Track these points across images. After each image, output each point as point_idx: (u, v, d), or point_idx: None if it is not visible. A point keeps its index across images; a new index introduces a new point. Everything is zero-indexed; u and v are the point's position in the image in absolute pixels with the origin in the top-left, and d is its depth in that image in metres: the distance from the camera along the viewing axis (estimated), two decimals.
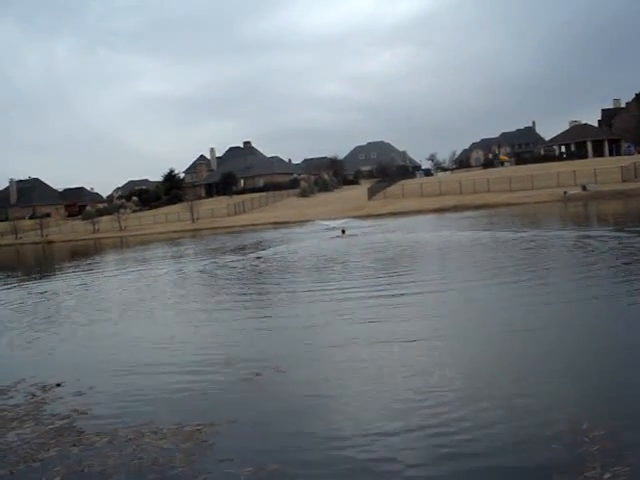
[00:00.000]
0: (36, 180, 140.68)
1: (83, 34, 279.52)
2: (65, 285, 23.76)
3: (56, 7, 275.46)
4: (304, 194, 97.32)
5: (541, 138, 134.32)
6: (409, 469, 5.31)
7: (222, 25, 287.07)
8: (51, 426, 7.06)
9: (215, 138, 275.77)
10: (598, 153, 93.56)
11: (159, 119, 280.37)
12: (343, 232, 36.87)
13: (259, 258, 26.76)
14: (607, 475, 4.76)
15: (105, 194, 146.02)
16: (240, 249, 33.72)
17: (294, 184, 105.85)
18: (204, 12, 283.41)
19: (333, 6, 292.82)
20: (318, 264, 22.74)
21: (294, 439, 6.20)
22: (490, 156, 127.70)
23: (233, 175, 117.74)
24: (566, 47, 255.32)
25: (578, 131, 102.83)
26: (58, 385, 8.81)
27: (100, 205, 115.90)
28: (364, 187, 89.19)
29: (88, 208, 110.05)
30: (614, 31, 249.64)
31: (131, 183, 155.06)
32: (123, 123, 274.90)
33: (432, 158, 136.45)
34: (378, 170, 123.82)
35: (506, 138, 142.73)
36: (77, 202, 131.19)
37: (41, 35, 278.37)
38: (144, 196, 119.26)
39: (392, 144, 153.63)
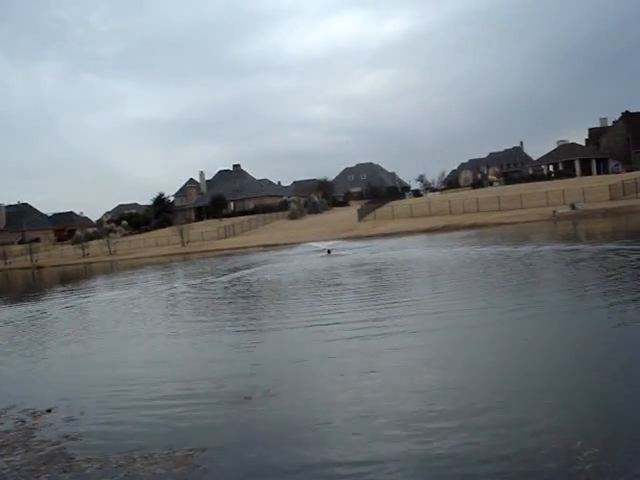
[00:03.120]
0: (25, 205, 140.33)
1: (67, 59, 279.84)
2: (51, 306, 23.68)
3: (39, 31, 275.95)
4: (294, 216, 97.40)
5: (529, 158, 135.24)
6: None
7: (206, 48, 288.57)
8: (41, 452, 7.01)
9: (204, 161, 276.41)
10: (586, 172, 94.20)
11: (146, 143, 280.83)
12: (329, 252, 39.24)
13: (238, 279, 27.07)
14: None
15: (95, 218, 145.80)
16: (223, 272, 33.68)
17: (284, 206, 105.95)
18: (188, 35, 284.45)
19: (317, 28, 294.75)
20: (300, 281, 22.82)
21: (285, 463, 6.18)
22: (479, 176, 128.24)
23: (223, 198, 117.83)
24: (551, 67, 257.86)
25: (566, 150, 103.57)
26: (48, 411, 8.74)
27: (90, 229, 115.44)
28: (354, 209, 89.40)
29: (78, 233, 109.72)
30: (600, 50, 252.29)
31: (120, 207, 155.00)
32: (110, 147, 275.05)
33: (421, 179, 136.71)
34: (367, 191, 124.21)
35: (494, 158, 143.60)
36: (67, 227, 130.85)
37: (24, 60, 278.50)
38: (134, 220, 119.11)
39: (381, 165, 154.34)
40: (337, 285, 21.67)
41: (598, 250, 23.32)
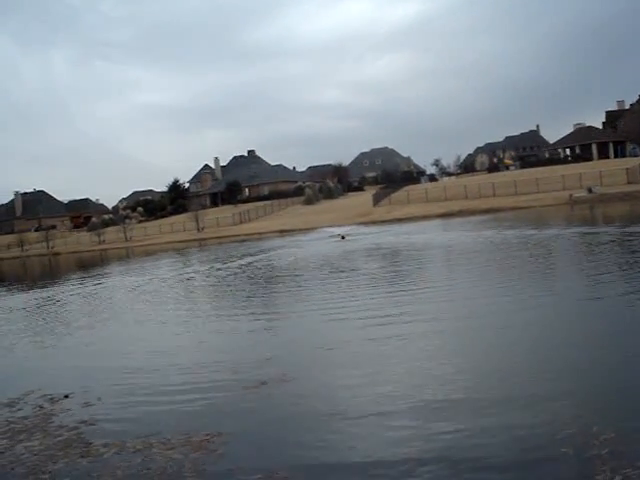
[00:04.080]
0: (41, 192, 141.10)
1: (79, 46, 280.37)
2: (72, 291, 23.82)
3: (50, 19, 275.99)
4: (309, 202, 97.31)
5: (545, 141, 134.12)
6: (423, 470, 5.29)
7: (220, 33, 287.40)
8: (59, 438, 7.06)
9: (218, 147, 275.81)
10: (603, 155, 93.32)
11: (160, 129, 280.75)
12: (343, 237, 39.83)
13: (251, 264, 27.07)
14: (618, 478, 4.73)
15: (110, 205, 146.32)
16: (238, 257, 33.75)
17: (299, 192, 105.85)
18: (201, 20, 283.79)
19: (330, 12, 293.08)
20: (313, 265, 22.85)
21: (302, 447, 6.19)
22: (495, 160, 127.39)
23: (238, 184, 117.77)
24: (567, 49, 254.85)
25: (582, 134, 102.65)
26: (66, 397, 8.81)
27: (105, 216, 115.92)
28: (369, 194, 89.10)
29: (93, 219, 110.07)
30: (615, 31, 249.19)
31: (136, 194, 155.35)
32: (124, 134, 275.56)
33: (437, 163, 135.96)
34: (383, 176, 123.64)
35: (510, 142, 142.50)
36: (82, 213, 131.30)
37: (36, 47, 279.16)
38: (149, 206, 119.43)
39: (396, 150, 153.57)
40: (351, 270, 21.65)
41: (624, 232, 23.35)
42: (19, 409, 8.48)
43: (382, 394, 7.44)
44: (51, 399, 8.78)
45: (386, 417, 6.71)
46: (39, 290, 28.34)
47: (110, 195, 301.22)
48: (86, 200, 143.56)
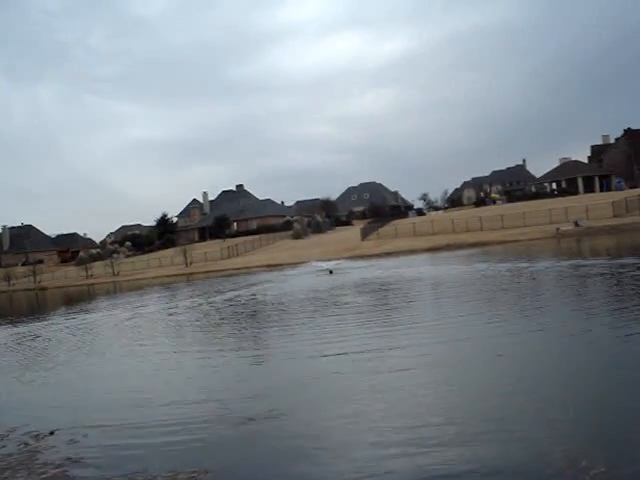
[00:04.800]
0: (29, 226, 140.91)
1: (67, 80, 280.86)
2: (56, 327, 23.64)
3: (39, 54, 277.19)
4: (297, 236, 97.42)
5: (532, 176, 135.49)
6: None
7: (208, 69, 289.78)
8: (44, 475, 6.98)
9: (207, 181, 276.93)
10: (589, 189, 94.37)
11: (149, 163, 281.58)
12: (330, 272, 40.10)
13: (238, 298, 27.00)
14: None
15: (98, 239, 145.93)
16: (223, 292, 33.70)
17: (287, 226, 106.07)
18: (189, 56, 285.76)
19: (316, 49, 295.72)
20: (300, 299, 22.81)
21: None
22: (482, 194, 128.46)
23: (226, 218, 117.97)
24: (553, 84, 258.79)
25: (568, 168, 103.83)
26: (51, 433, 8.71)
27: (93, 251, 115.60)
28: (357, 228, 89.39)
29: (81, 254, 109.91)
30: (600, 68, 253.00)
31: (124, 228, 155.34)
32: (112, 168, 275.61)
33: (424, 197, 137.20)
34: (371, 210, 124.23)
35: (497, 176, 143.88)
36: (70, 248, 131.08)
37: (25, 82, 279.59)
38: (137, 241, 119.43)
39: (384, 184, 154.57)
40: (337, 305, 21.62)
41: (616, 264, 23.63)
42: (3, 446, 8.38)
43: (371, 427, 7.41)
44: (36, 436, 8.68)
45: (377, 450, 6.68)
46: (23, 325, 28.10)
47: (98, 229, 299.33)
48: (74, 234, 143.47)
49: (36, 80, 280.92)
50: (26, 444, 8.36)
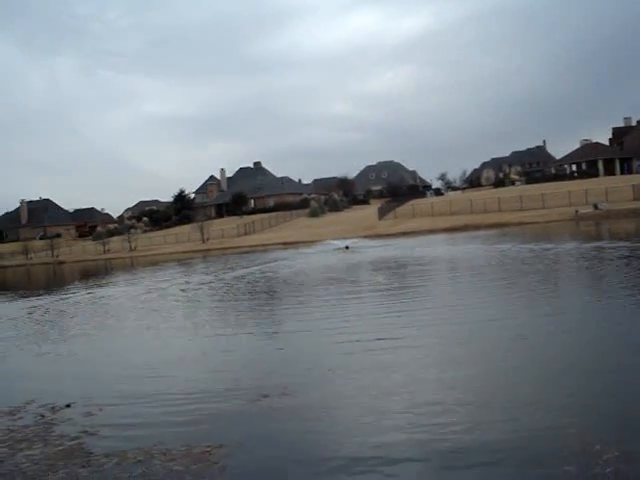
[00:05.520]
0: (47, 201, 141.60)
1: (84, 55, 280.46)
2: (75, 299, 23.80)
3: (56, 28, 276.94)
4: (314, 214, 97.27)
5: (552, 157, 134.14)
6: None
7: (226, 45, 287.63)
8: (60, 447, 7.02)
9: (224, 158, 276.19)
10: (609, 172, 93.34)
11: (166, 139, 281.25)
12: (347, 248, 41.37)
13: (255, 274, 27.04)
14: None
15: (116, 214, 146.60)
16: (241, 267, 33.82)
17: (304, 204, 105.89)
18: (207, 32, 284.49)
19: (336, 25, 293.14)
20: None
21: (302, 460, 6.15)
22: (501, 175, 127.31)
23: (243, 195, 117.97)
24: (574, 66, 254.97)
25: (589, 150, 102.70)
26: (67, 406, 8.77)
27: (111, 225, 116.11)
28: (374, 207, 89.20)
29: (99, 229, 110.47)
30: (623, 49, 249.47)
31: (141, 203, 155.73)
32: (130, 144, 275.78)
33: (442, 177, 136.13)
34: (388, 190, 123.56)
35: (517, 157, 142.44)
36: (88, 223, 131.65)
37: (43, 56, 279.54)
38: (154, 216, 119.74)
39: (402, 164, 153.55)
40: (354, 283, 21.61)
41: None
42: (20, 417, 8.45)
43: (381, 409, 7.40)
44: (52, 408, 8.75)
45: (385, 425, 6.67)
46: (41, 298, 28.29)
47: (116, 204, 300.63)
48: (91, 209, 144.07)
49: (53, 54, 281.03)
50: (42, 416, 8.42)
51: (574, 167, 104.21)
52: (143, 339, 14.56)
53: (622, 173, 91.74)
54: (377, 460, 5.93)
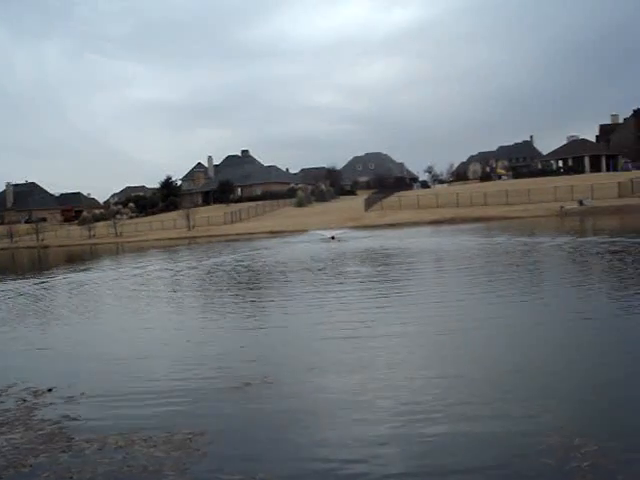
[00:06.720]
0: (33, 184, 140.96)
1: (72, 38, 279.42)
2: (60, 283, 23.75)
3: (45, 10, 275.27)
4: (301, 204, 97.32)
5: (539, 152, 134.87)
6: None
7: (214, 31, 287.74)
8: (41, 432, 7.02)
9: (212, 146, 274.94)
10: (595, 168, 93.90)
11: (154, 125, 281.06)
12: (332, 238, 41.37)
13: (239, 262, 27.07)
14: None
15: (102, 200, 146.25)
16: (225, 255, 33.83)
17: (291, 193, 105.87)
18: (196, 17, 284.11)
19: (326, 15, 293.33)
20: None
21: (283, 450, 6.19)
22: (488, 169, 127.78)
23: (230, 183, 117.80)
24: (564, 61, 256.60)
25: (576, 146, 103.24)
26: (49, 390, 8.77)
27: (97, 211, 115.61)
28: (361, 198, 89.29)
29: (84, 213, 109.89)
30: (612, 46, 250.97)
31: (128, 189, 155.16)
32: (117, 129, 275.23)
33: (430, 170, 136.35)
34: (375, 181, 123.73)
35: (504, 152, 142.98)
36: (73, 207, 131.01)
37: (30, 39, 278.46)
38: (141, 202, 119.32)
39: (390, 155, 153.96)
40: (337, 274, 21.64)
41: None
42: (1, 402, 8.43)
43: (361, 399, 7.45)
44: (34, 392, 8.74)
45: (372, 420, 6.72)
46: (27, 280, 28.18)
47: (102, 190, 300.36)
48: (77, 194, 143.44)
49: (41, 37, 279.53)
50: (24, 400, 8.41)
51: (560, 163, 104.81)
52: (127, 324, 14.54)
53: (608, 170, 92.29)
54: (360, 447, 5.99)
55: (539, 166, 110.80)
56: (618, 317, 11.11)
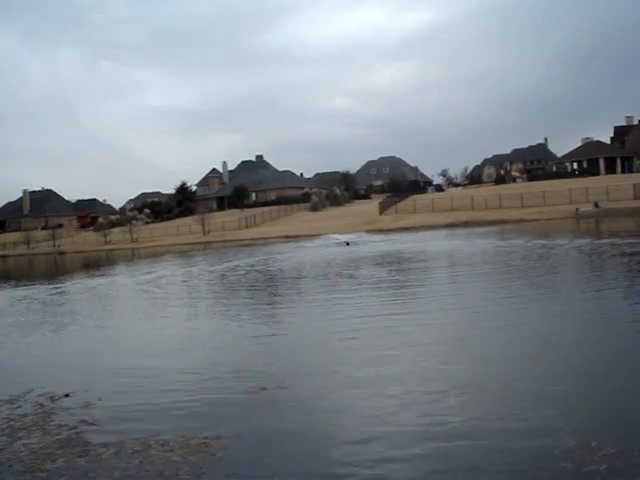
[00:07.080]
0: (49, 191, 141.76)
1: (86, 46, 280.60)
2: (77, 288, 23.87)
3: (58, 18, 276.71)
4: (315, 208, 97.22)
5: (553, 155, 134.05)
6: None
7: (228, 37, 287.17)
8: (58, 437, 7.06)
9: (226, 151, 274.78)
10: (610, 170, 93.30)
11: (169, 131, 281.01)
12: (347, 244, 41.16)
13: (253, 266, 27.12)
14: None
15: (117, 206, 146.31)
16: (240, 260, 33.89)
17: (305, 198, 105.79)
18: (210, 24, 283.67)
19: (339, 19, 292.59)
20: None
21: (298, 454, 6.19)
22: (502, 172, 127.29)
23: (245, 188, 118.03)
24: (577, 63, 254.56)
25: (590, 148, 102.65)
26: (66, 395, 8.82)
27: (112, 217, 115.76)
28: (375, 202, 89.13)
29: (100, 219, 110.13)
30: (625, 47, 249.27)
31: (143, 195, 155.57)
32: (132, 136, 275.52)
33: (444, 174, 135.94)
34: (390, 185, 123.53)
35: (518, 154, 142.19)
36: (89, 213, 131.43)
37: (45, 47, 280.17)
38: (156, 208, 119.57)
39: (404, 159, 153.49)
40: (352, 278, 21.63)
41: None
42: (19, 406, 8.49)
43: (378, 401, 7.44)
44: (51, 397, 8.79)
45: (389, 422, 6.71)
46: (43, 286, 28.35)
47: (118, 196, 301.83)
48: (93, 200, 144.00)
49: (55, 45, 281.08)
50: (41, 405, 8.46)
51: (575, 165, 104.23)
52: (143, 330, 14.61)
53: (623, 172, 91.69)
54: (377, 454, 5.98)
55: (554, 168, 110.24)
56: None
